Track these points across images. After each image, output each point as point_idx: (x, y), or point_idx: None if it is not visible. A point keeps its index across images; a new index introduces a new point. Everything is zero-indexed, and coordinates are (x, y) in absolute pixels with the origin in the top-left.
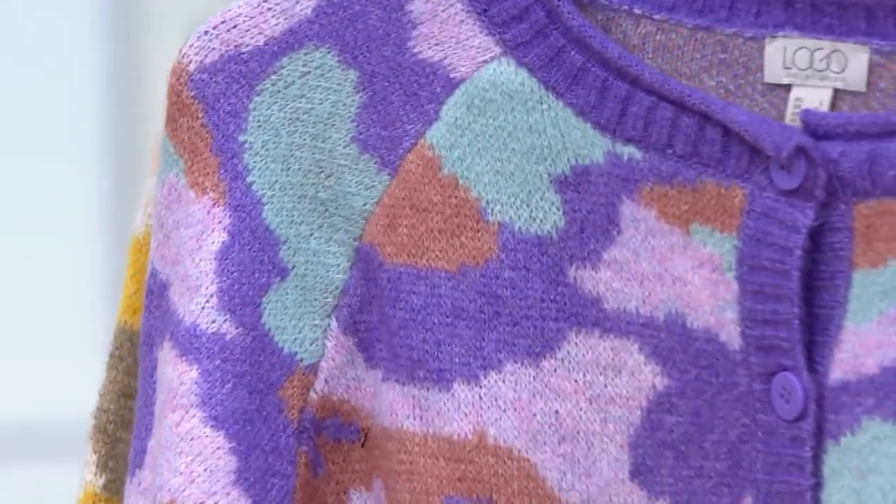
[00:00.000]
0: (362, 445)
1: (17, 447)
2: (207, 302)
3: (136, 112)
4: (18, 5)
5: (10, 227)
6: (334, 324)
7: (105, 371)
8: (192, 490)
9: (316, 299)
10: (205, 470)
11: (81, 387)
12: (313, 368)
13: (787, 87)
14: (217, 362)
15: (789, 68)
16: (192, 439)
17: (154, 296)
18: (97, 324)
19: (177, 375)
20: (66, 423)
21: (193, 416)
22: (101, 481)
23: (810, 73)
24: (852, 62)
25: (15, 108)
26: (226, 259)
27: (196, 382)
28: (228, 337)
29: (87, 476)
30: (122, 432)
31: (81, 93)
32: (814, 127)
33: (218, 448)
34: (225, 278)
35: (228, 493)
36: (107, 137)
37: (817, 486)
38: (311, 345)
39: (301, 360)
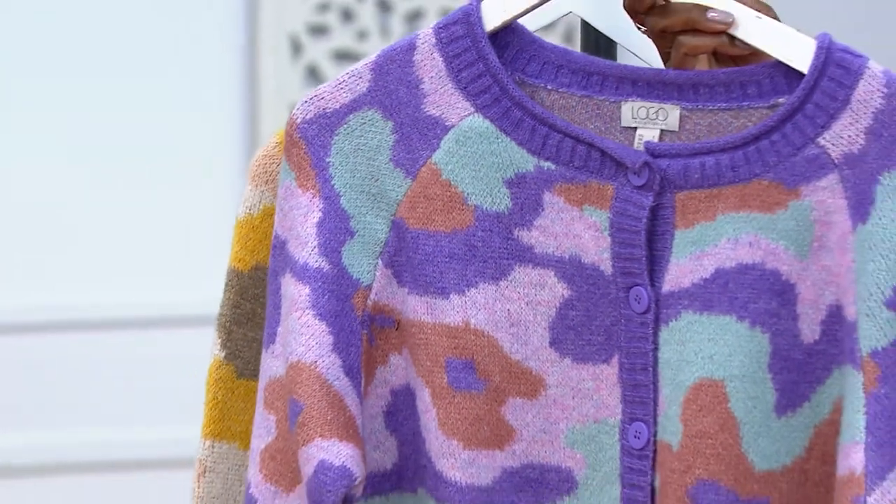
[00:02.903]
0: (396, 329)
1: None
2: (312, 251)
3: (254, 149)
4: (177, 90)
5: (171, 214)
6: (380, 262)
7: (223, 292)
8: (309, 354)
9: (370, 248)
10: (316, 343)
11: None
12: (369, 287)
13: (634, 129)
14: (319, 283)
15: (635, 118)
16: (307, 326)
17: (277, 248)
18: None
19: (297, 292)
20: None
21: (308, 313)
22: (223, 354)
23: (647, 121)
24: (671, 115)
25: (186, 147)
26: (321, 227)
27: (308, 295)
28: (325, 270)
29: (215, 350)
30: (234, 326)
31: (225, 143)
32: (652, 150)
33: (323, 331)
34: (321, 238)
35: (329, 355)
36: (238, 162)
37: (656, 350)
38: (367, 274)
39: (362, 282)
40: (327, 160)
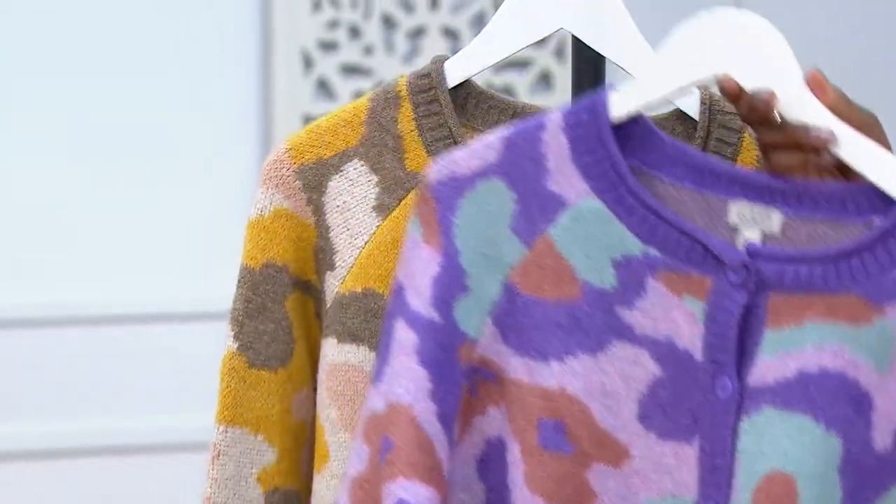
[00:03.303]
0: (497, 384)
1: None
2: (426, 301)
3: (267, 156)
4: (196, 100)
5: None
6: (489, 320)
7: (236, 288)
8: (408, 398)
9: (481, 306)
10: (415, 388)
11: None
12: (475, 342)
13: (738, 228)
14: (428, 332)
15: (740, 218)
16: (410, 370)
17: (396, 293)
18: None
19: (406, 337)
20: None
21: (412, 359)
22: (236, 345)
23: (751, 222)
24: (774, 218)
25: (210, 169)
26: (438, 281)
27: (415, 342)
28: (435, 320)
29: (228, 342)
30: (245, 320)
31: (240, 149)
32: (752, 252)
33: (424, 377)
34: (436, 290)
35: (426, 401)
36: (253, 167)
37: (735, 437)
38: (476, 329)
39: (470, 336)
40: (453, 219)
